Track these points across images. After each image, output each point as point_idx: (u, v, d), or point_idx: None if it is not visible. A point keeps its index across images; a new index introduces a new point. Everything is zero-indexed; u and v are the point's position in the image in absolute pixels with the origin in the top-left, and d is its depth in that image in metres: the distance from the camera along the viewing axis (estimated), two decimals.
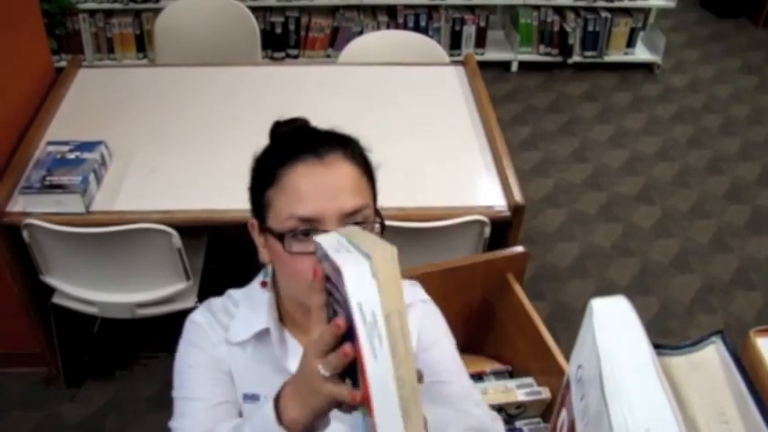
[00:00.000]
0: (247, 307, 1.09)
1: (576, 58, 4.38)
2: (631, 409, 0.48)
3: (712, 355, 0.56)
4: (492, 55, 4.36)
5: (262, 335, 1.06)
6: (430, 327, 1.15)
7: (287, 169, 0.97)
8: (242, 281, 1.15)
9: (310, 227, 0.94)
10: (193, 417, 1.04)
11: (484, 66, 2.91)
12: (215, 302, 1.14)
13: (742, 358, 0.54)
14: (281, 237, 0.95)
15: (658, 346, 0.54)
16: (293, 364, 1.01)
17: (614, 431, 0.47)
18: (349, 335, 0.73)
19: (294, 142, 1.00)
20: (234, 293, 1.14)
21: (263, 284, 1.10)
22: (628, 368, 0.51)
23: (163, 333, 2.58)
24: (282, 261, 0.98)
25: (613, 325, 0.54)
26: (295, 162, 0.97)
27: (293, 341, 1.08)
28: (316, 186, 0.95)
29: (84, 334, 2.54)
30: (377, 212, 1.02)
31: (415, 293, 1.19)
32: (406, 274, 1.01)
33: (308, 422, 0.80)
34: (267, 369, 1.06)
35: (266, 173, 1.00)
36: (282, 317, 1.09)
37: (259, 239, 1.04)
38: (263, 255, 1.04)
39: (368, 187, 1.02)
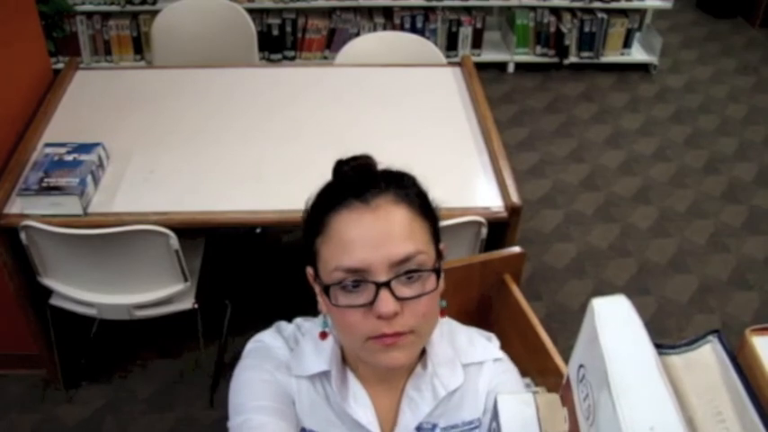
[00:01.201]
0: (312, 344, 1.05)
1: (572, 59, 4.38)
2: (637, 407, 0.48)
3: (709, 355, 0.56)
4: (488, 56, 4.37)
5: (326, 373, 1.03)
6: (501, 388, 1.07)
7: (333, 216, 0.92)
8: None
9: (359, 278, 0.88)
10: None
11: (480, 67, 2.92)
12: (285, 328, 1.10)
13: (738, 357, 0.55)
14: (326, 289, 0.91)
15: (656, 346, 0.54)
16: (354, 409, 1.01)
17: (623, 430, 0.47)
18: None
19: (340, 186, 0.95)
20: (303, 324, 1.10)
21: (323, 336, 1.04)
22: (632, 368, 0.51)
23: (161, 335, 2.59)
24: (332, 313, 0.94)
25: (616, 324, 0.55)
26: (341, 208, 0.91)
27: (356, 384, 1.03)
28: (361, 234, 0.89)
29: (82, 335, 2.54)
30: (439, 254, 0.96)
31: (488, 351, 1.11)
32: None
33: None
34: (329, 409, 1.03)
35: (314, 220, 0.95)
36: (346, 358, 1.05)
37: (316, 287, 0.99)
38: (321, 305, 1.00)
39: (424, 230, 0.94)
